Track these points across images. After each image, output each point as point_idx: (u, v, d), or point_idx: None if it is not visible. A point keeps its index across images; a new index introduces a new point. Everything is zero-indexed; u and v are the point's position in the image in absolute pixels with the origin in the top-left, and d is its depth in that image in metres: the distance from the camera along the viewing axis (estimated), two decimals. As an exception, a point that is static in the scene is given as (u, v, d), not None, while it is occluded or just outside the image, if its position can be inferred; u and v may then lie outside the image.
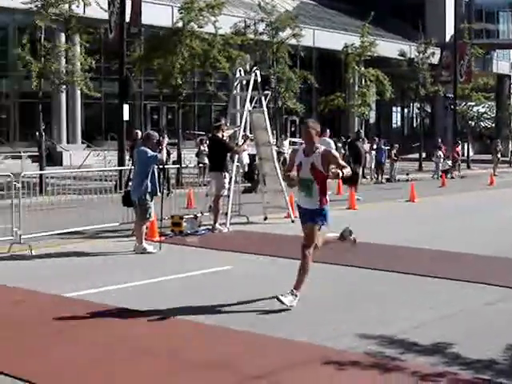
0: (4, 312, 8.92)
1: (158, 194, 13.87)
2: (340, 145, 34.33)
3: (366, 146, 33.86)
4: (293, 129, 53.84)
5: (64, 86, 29.54)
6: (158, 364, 6.93)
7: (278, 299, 8.84)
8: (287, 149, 34.16)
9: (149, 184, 13.45)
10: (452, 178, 37.71)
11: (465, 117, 53.32)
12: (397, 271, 11.47)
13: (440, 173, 36.65)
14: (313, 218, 9.20)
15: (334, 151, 9.75)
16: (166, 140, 14.33)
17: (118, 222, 15.74)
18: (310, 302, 9.33)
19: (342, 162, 9.41)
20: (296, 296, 9.00)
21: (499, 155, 43.98)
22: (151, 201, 13.62)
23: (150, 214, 13.63)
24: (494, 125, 64.02)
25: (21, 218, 13.56)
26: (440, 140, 44.12)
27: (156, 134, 14.34)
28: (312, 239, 9.18)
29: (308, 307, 9.11)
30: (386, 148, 36.72)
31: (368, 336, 7.78)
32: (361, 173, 24.76)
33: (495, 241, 15.03)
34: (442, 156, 39.21)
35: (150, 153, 13.47)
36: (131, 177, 14.25)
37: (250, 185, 25.66)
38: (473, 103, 52.83)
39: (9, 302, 9.48)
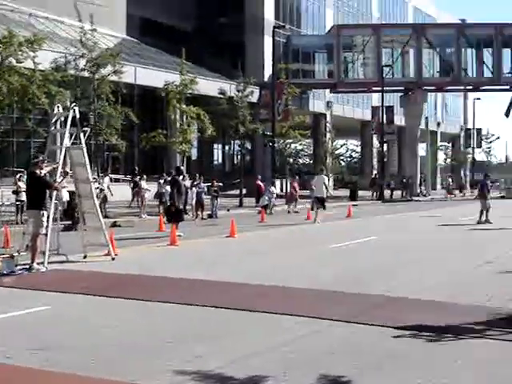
0: None
1: None
2: (162, 181, 34.41)
3: (188, 183, 34.16)
4: (116, 165, 53.59)
5: None
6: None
7: None
8: (107, 185, 33.95)
9: None
10: (271, 213, 38.64)
11: (283, 154, 54.79)
12: (216, 306, 11.59)
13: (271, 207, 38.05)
14: None
15: None
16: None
17: None
18: (125, 341, 9.30)
19: None
20: None
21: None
22: None
23: None
24: (311, 161, 66.16)
25: None
26: (259, 177, 45.24)
27: None
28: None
29: (123, 347, 9.09)
30: (207, 185, 37.19)
31: (184, 372, 7.80)
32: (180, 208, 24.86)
33: (314, 273, 15.51)
34: (274, 191, 40.52)
35: None
36: None
37: (69, 222, 25.29)
38: (290, 140, 54.41)
39: None
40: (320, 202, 32.51)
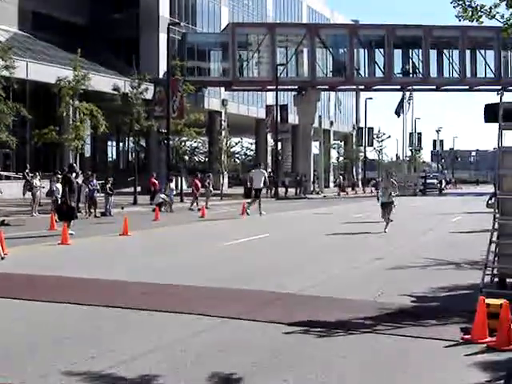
0: None
1: None
2: (55, 179, 33.81)
3: (80, 180, 33.69)
4: (7, 162, 52.42)
5: None
6: None
7: None
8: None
9: None
10: (171, 211, 38.50)
11: (178, 151, 54.64)
12: (107, 306, 11.48)
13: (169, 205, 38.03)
14: None
15: None
16: None
17: None
18: (13, 343, 9.14)
19: None
20: None
21: (211, 188, 45.61)
22: None
23: None
24: (206, 159, 66.19)
25: None
26: (155, 174, 45.06)
27: None
28: None
29: (11, 349, 8.91)
30: (100, 182, 36.74)
31: (75, 373, 7.73)
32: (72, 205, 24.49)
33: (210, 271, 15.53)
34: (173, 188, 40.52)
35: None
36: None
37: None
38: (186, 138, 54.30)
39: None
40: (256, 193, 36.33)
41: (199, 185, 43.99)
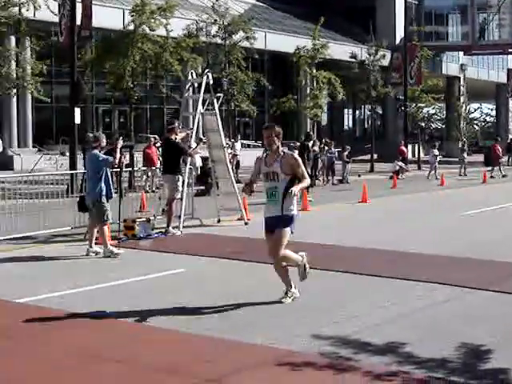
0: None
1: (114, 196, 13.85)
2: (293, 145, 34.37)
3: (317, 148, 34.02)
4: (247, 131, 53.98)
5: (14, 90, 29.14)
6: (110, 369, 6.88)
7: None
8: (239, 151, 34.20)
9: (103, 187, 13.38)
10: (436, 178, 37.54)
11: (415, 118, 53.82)
12: (352, 272, 11.53)
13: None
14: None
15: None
16: (120, 143, 14.22)
17: (70, 226, 15.64)
18: (262, 305, 9.37)
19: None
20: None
21: (465, 155, 43.48)
22: (107, 202, 13.57)
23: (107, 216, 13.50)
24: (443, 126, 64.76)
25: (-29, 223, 13.43)
26: (403, 142, 44.05)
27: (103, 135, 14.19)
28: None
29: (259, 310, 9.14)
30: (338, 150, 36.90)
31: (322, 337, 7.82)
32: (310, 173, 24.77)
33: (450, 241, 15.19)
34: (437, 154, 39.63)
35: (102, 156, 13.40)
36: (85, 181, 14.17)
37: (202, 188, 25.61)
38: (423, 105, 53.35)
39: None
40: None
41: (405, 151, 42.52)
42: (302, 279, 9.68)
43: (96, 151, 13.51)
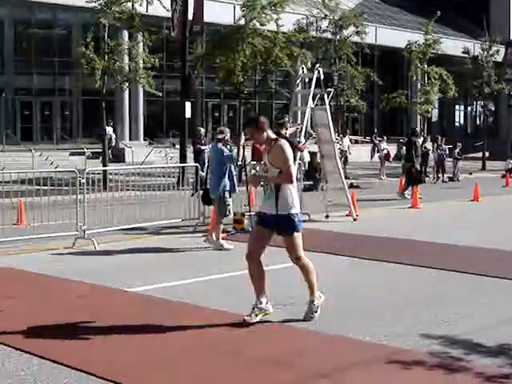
0: (69, 306, 9.01)
1: (237, 190, 14.10)
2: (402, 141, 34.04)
3: (428, 145, 33.60)
4: (356, 127, 53.70)
5: (127, 84, 29.75)
6: (221, 361, 6.93)
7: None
8: (348, 146, 34.01)
9: (227, 182, 13.62)
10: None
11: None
12: (460, 271, 11.31)
13: None
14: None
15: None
16: (243, 139, 14.30)
17: (180, 218, 15.87)
18: (371, 302, 9.29)
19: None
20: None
21: None
22: (230, 198, 13.82)
23: (229, 211, 13.85)
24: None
25: (85, 213, 13.76)
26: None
27: (228, 129, 14.41)
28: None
29: (368, 306, 9.07)
30: (448, 147, 36.27)
31: (431, 336, 7.69)
32: (420, 170, 24.36)
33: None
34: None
35: (226, 152, 13.60)
36: (209, 175, 14.36)
37: (310, 183, 25.59)
38: (538, 101, 52.01)
39: (74, 296, 9.58)
40: None
41: None
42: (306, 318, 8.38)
43: (220, 145, 13.71)
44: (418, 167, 24.12)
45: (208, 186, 14.30)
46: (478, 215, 20.12)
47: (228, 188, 13.66)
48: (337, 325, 8.13)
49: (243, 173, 16.83)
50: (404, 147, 27.29)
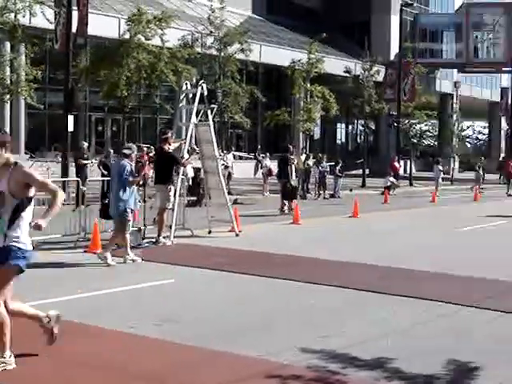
0: None
1: (138, 207, 14.04)
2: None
3: (311, 162, 34.11)
4: (240, 143, 54.05)
5: (8, 96, 29.09)
6: (95, 377, 6.86)
7: None
8: (231, 162, 34.23)
9: (129, 198, 13.57)
10: (394, 194, 37.95)
11: (408, 134, 53.97)
12: (341, 286, 11.51)
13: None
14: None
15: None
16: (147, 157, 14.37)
17: (60, 233, 15.60)
18: (251, 317, 9.36)
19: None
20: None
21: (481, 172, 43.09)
22: (131, 213, 13.77)
23: (128, 227, 13.74)
24: (436, 143, 64.91)
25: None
26: (396, 157, 44.53)
27: (135, 146, 14.38)
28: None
29: (249, 322, 9.13)
30: (329, 164, 36.94)
31: (309, 350, 7.80)
32: (301, 186, 24.80)
33: (442, 258, 15.19)
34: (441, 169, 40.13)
35: (127, 172, 13.50)
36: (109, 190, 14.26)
37: (194, 198, 25.61)
38: (415, 121, 53.53)
39: None
40: None
41: (397, 167, 42.96)
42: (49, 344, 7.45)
43: (126, 161, 13.60)
44: (293, 183, 24.55)
45: (106, 201, 14.17)
46: (355, 231, 20.56)
47: (129, 204, 13.58)
48: (218, 342, 8.14)
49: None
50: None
